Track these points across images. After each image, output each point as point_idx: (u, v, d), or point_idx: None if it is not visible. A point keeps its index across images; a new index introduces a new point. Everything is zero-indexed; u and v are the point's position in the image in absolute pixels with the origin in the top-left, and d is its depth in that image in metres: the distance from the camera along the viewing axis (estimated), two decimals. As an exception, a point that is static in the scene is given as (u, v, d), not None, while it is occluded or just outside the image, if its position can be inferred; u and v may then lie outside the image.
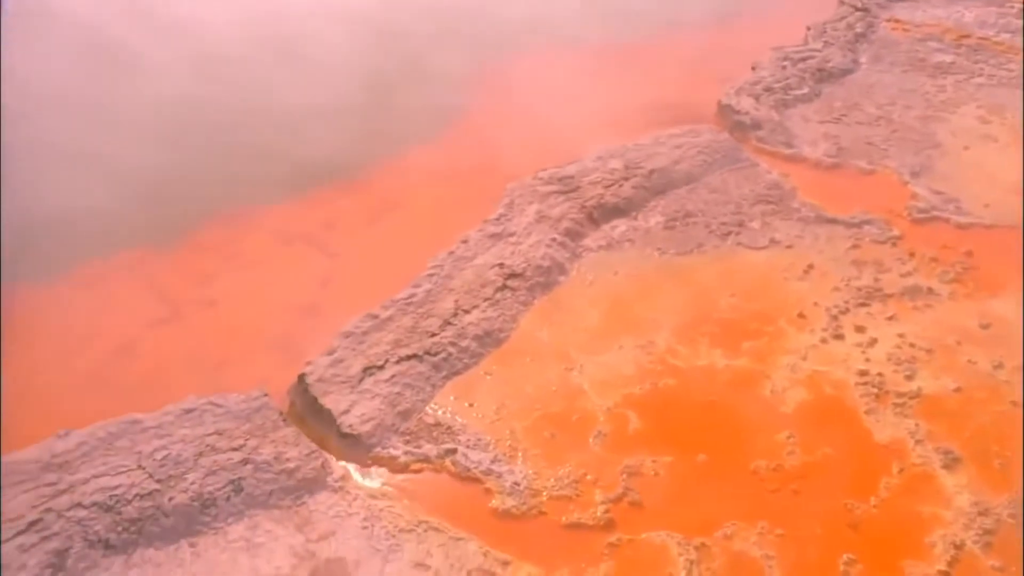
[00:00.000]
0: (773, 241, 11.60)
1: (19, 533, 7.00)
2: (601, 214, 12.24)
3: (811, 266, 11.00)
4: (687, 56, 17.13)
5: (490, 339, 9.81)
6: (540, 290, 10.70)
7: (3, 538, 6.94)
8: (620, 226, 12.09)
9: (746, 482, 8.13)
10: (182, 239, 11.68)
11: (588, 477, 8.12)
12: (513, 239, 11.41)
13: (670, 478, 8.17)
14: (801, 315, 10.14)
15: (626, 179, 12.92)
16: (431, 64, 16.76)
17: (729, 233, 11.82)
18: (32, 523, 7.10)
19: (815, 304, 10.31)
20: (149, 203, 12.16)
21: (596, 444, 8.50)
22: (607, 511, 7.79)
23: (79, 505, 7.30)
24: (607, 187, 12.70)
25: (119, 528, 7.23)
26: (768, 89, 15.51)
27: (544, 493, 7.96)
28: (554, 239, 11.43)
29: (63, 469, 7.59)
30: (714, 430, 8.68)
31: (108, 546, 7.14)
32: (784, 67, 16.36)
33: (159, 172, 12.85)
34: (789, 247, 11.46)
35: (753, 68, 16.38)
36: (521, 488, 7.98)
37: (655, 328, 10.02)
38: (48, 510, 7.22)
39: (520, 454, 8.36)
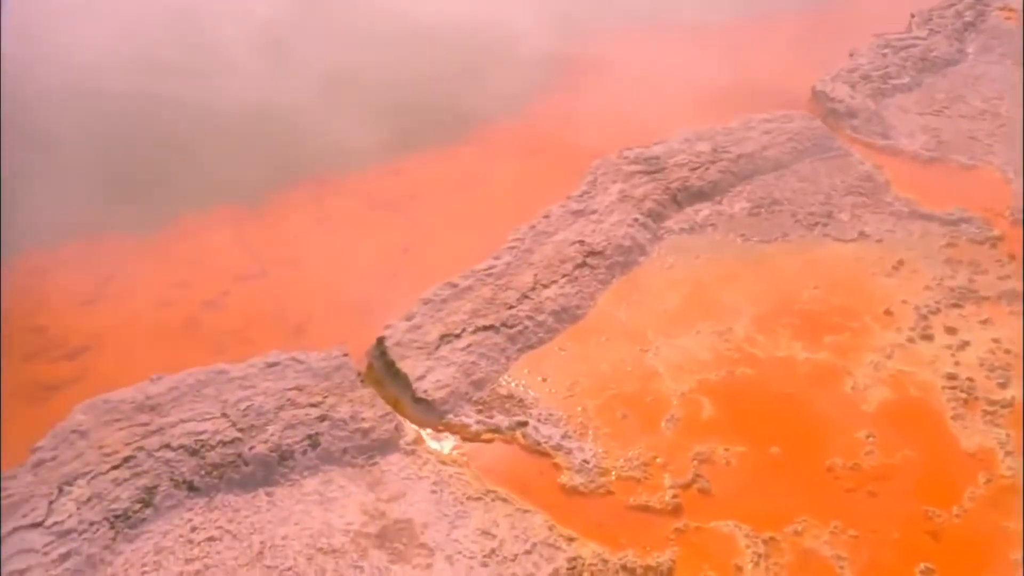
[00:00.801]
0: (862, 234, 11.07)
1: (113, 468, 7.27)
2: (685, 197, 11.90)
3: (901, 262, 10.46)
4: (783, 39, 16.48)
5: (566, 315, 9.67)
6: (619, 269, 10.48)
7: (100, 470, 7.21)
8: (704, 210, 11.73)
9: (820, 479, 7.82)
10: (273, 198, 11.88)
11: (658, 460, 7.94)
12: (595, 217, 11.19)
13: (742, 468, 7.92)
14: (888, 312, 9.66)
15: (712, 163, 12.52)
16: (522, 39, 16.56)
17: (816, 224, 11.33)
18: (126, 459, 7.35)
19: (903, 302, 9.81)
20: (242, 161, 12.43)
21: (668, 428, 8.30)
22: (675, 496, 7.61)
23: (167, 447, 7.52)
24: (693, 170, 12.32)
25: (203, 472, 7.42)
26: (865, 77, 14.78)
27: (613, 473, 7.83)
28: (636, 219, 11.16)
29: (155, 411, 7.83)
30: (790, 423, 8.37)
31: (192, 488, 7.34)
32: (884, 55, 15.56)
33: (259, 125, 13.14)
34: (879, 241, 10.92)
35: (851, 55, 15.63)
36: (590, 466, 7.86)
37: (734, 315, 9.70)
38: (140, 448, 7.46)
39: (591, 432, 8.23)
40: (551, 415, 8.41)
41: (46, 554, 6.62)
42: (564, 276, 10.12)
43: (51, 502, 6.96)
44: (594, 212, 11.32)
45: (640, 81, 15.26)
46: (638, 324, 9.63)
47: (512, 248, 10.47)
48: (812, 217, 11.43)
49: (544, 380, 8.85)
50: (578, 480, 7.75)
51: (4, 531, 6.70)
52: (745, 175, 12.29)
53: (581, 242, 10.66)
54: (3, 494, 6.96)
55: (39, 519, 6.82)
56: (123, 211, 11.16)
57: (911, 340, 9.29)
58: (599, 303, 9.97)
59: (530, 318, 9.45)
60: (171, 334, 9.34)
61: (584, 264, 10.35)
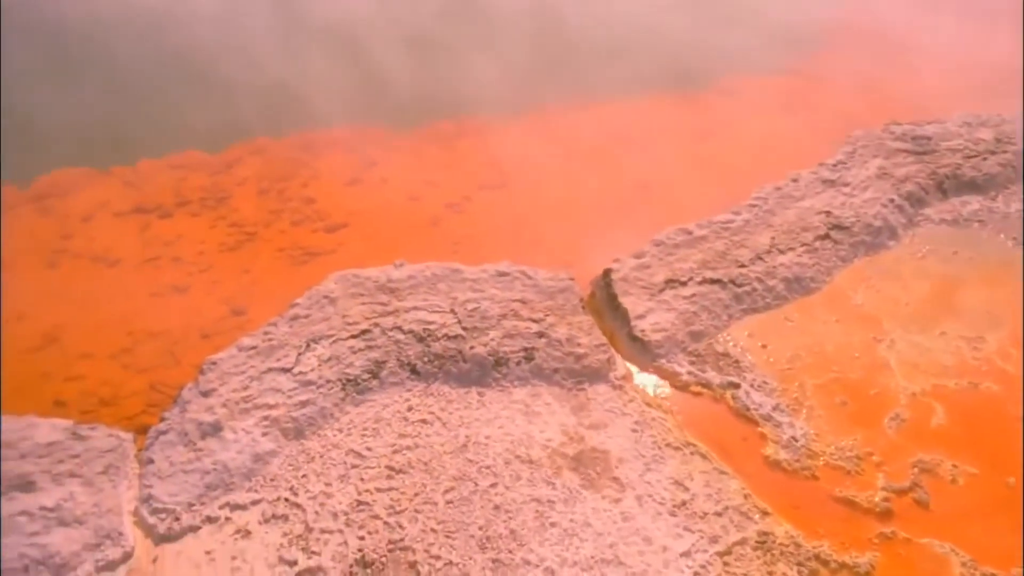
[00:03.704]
0: None
1: (352, 336, 7.59)
2: (953, 185, 10.33)
3: None
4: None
5: (799, 285, 8.78)
6: (864, 249, 9.35)
7: (341, 336, 7.55)
8: (972, 203, 10.14)
9: (1063, 525, 6.60)
10: (521, 118, 11.72)
11: (874, 458, 7.07)
12: (847, 190, 10.01)
13: (969, 490, 6.86)
14: None
15: (993, 153, 10.74)
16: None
17: (1112, 242, 9.43)
18: (363, 331, 7.64)
19: None
20: (487, 78, 12.35)
21: (891, 427, 7.35)
22: (887, 500, 6.74)
23: (399, 328, 7.72)
24: (968, 157, 10.64)
25: (426, 359, 7.56)
26: None
27: (821, 458, 7.07)
28: (892, 200, 9.86)
29: (393, 294, 8.05)
30: (1036, 456, 7.12)
31: (414, 371, 7.51)
32: None
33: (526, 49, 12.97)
34: None
35: None
36: (798, 444, 7.14)
37: (990, 324, 8.35)
38: (376, 325, 7.72)
39: (805, 410, 7.47)
40: (765, 383, 7.72)
41: (290, 397, 7.06)
42: (803, 245, 9.17)
43: (299, 354, 7.40)
44: (847, 184, 10.12)
45: (915, 52, 13.38)
46: (875, 310, 8.55)
47: (753, 206, 9.62)
48: (1107, 234, 9.53)
49: (764, 347, 8.13)
50: (783, 455, 7.08)
51: (260, 369, 7.22)
52: (1031, 173, 10.44)
53: (827, 213, 9.59)
54: (264, 337, 7.49)
55: (288, 366, 7.28)
56: (385, 105, 11.48)
57: None
58: (836, 280, 8.96)
59: (760, 281, 8.67)
60: (415, 226, 9.56)
61: (827, 236, 9.32)
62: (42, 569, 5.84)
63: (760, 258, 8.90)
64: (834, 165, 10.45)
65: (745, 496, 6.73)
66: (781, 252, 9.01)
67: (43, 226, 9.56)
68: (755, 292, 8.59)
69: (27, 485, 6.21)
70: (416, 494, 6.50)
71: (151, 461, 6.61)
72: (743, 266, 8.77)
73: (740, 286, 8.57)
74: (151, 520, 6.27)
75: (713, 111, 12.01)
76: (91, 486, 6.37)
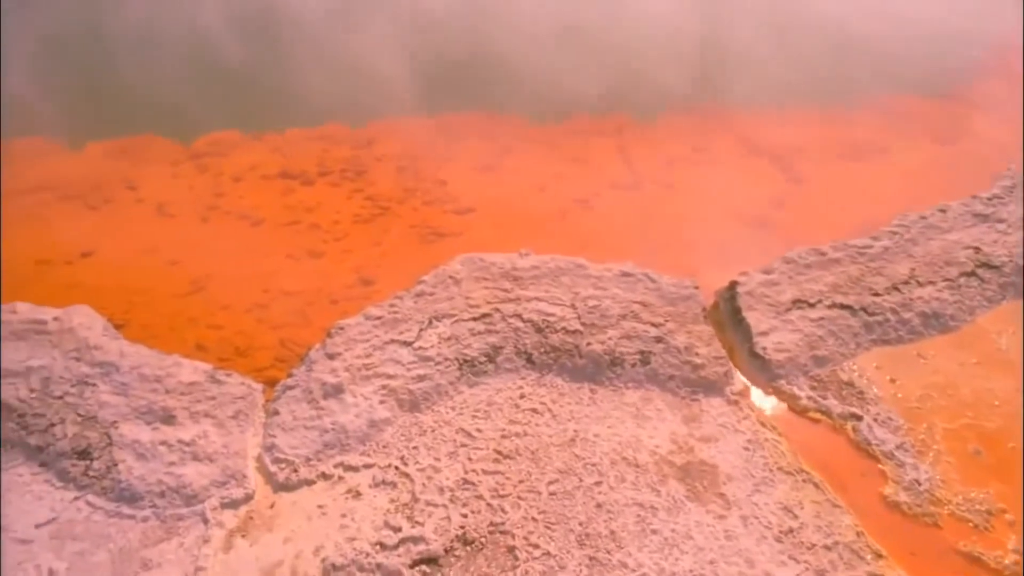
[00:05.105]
0: None
1: (473, 319, 7.65)
2: (1124, 233, 9.34)
3: None
4: None
5: (937, 322, 8.19)
6: (1013, 291, 8.61)
7: (462, 317, 7.63)
8: None
9: None
10: (659, 120, 11.47)
11: (1007, 516, 6.50)
12: (1001, 227, 9.24)
13: (1115, 567, 6.21)
14: None
15: None
16: (961, 19, 13.98)
17: None
18: (484, 315, 7.69)
19: None
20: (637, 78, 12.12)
21: (1029, 485, 6.75)
22: (1017, 563, 6.19)
23: (519, 316, 7.72)
24: None
25: (542, 349, 7.53)
26: None
27: (947, 507, 6.57)
28: (1053, 243, 9.02)
29: (516, 282, 8.06)
30: None
31: (530, 360, 7.49)
32: None
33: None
34: None
35: None
36: (921, 489, 6.66)
37: None
38: (497, 310, 7.75)
39: (932, 454, 6.96)
40: (890, 419, 7.25)
41: (408, 370, 7.20)
42: (945, 280, 8.54)
43: (421, 329, 7.52)
44: (1002, 221, 9.34)
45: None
46: (1021, 357, 7.86)
47: (894, 233, 9.03)
48: None
49: (892, 381, 7.63)
50: (903, 497, 6.62)
51: (384, 340, 7.39)
52: None
53: (976, 249, 8.89)
54: (390, 309, 7.66)
55: (410, 340, 7.42)
56: (520, 97, 11.49)
57: None
58: (978, 321, 8.30)
59: (895, 312, 8.14)
60: (543, 218, 9.54)
61: (973, 274, 8.64)
62: (175, 497, 6.21)
63: (896, 288, 8.36)
64: (989, 199, 9.66)
65: (858, 534, 6.34)
66: (920, 285, 8.42)
67: (200, 182, 10.14)
68: (888, 323, 8.07)
69: (169, 419, 6.61)
70: (521, 481, 6.49)
71: (277, 413, 6.90)
72: (877, 294, 8.26)
73: (872, 315, 8.07)
74: (272, 468, 6.54)
75: (863, 129, 11.35)
76: (222, 428, 6.71)
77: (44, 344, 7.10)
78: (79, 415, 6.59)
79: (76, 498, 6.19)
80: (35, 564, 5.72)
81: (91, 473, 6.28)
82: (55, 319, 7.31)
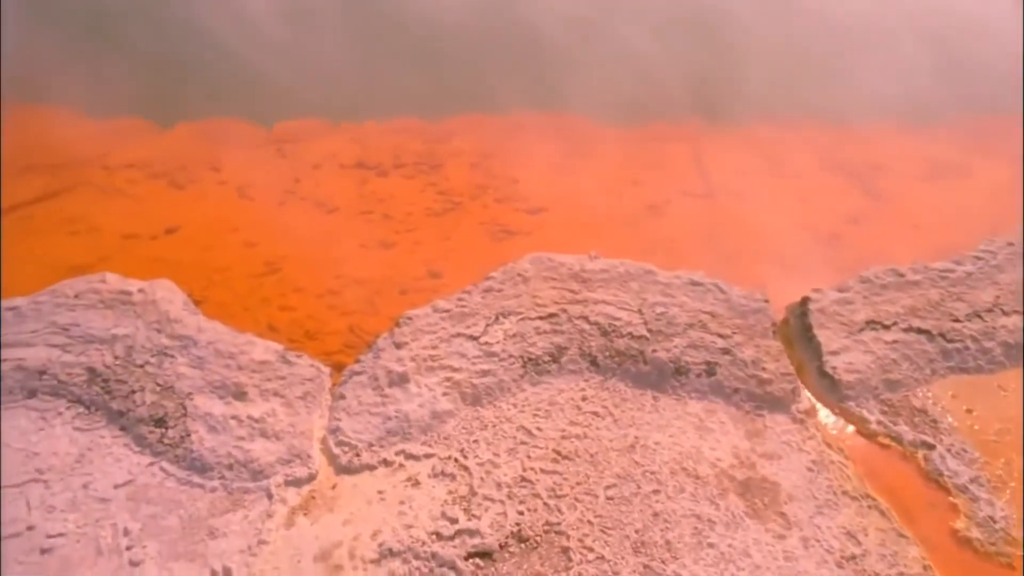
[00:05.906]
0: None
1: (540, 318, 7.64)
2: None
3: None
4: None
5: (1020, 353, 7.81)
6: (1106, 328, 8.14)
7: (529, 316, 7.62)
8: None
9: None
10: (734, 128, 11.25)
11: (1088, 563, 6.16)
12: (1095, 258, 8.75)
13: None
14: None
15: None
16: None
17: None
18: (550, 315, 7.67)
19: None
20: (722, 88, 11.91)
21: (1112, 532, 6.37)
22: (1096, 611, 5.86)
23: (585, 319, 7.67)
24: None
25: (607, 353, 7.47)
26: None
27: (1022, 547, 6.26)
28: None
29: (584, 284, 8.01)
30: None
31: (594, 363, 7.44)
32: None
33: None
34: None
35: None
36: (996, 527, 6.37)
37: None
38: (564, 311, 7.72)
39: (1009, 491, 6.65)
40: (965, 451, 6.95)
41: (473, 364, 7.23)
42: (1032, 310, 8.14)
43: (488, 325, 7.54)
44: (1096, 252, 8.85)
45: None
46: (1110, 398, 7.43)
47: (979, 259, 8.66)
48: None
49: (969, 411, 7.31)
50: (976, 534, 6.34)
51: (450, 332, 7.44)
52: None
53: (1067, 280, 8.45)
54: (458, 303, 7.70)
55: (476, 334, 7.45)
56: (603, 99, 11.40)
57: None
58: (1066, 356, 7.88)
59: (975, 340, 7.80)
60: (613, 222, 9.46)
61: (1063, 306, 8.21)
62: (243, 470, 6.37)
63: (979, 315, 8.01)
64: (1082, 228, 9.18)
65: (924, 567, 6.10)
66: (1005, 314, 8.05)
67: (279, 167, 10.39)
68: (967, 351, 7.74)
69: (240, 395, 6.79)
70: (579, 483, 6.45)
71: (343, 397, 7.01)
72: (957, 320, 7.93)
73: (951, 341, 7.75)
74: (335, 451, 6.65)
75: (949, 148, 10.92)
76: (290, 408, 6.86)
77: (129, 314, 7.37)
78: (158, 384, 6.83)
79: (151, 463, 6.42)
80: (112, 523, 5.94)
81: (166, 441, 6.50)
82: (140, 291, 7.59)
